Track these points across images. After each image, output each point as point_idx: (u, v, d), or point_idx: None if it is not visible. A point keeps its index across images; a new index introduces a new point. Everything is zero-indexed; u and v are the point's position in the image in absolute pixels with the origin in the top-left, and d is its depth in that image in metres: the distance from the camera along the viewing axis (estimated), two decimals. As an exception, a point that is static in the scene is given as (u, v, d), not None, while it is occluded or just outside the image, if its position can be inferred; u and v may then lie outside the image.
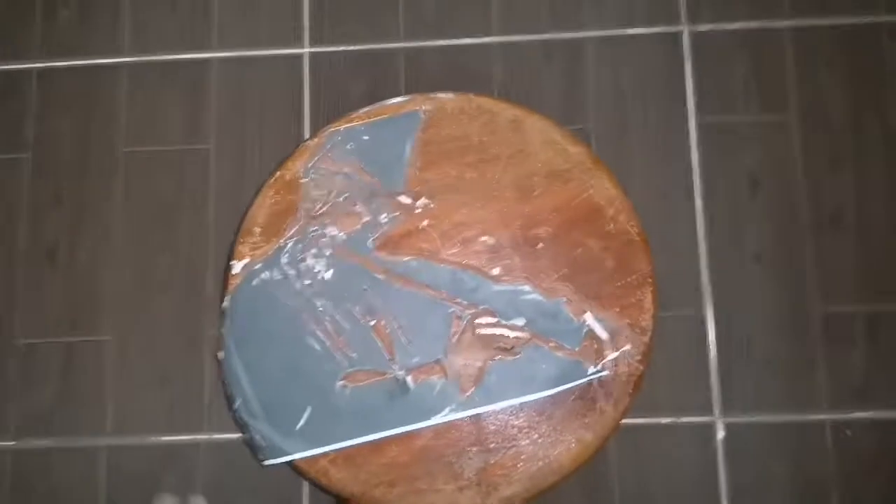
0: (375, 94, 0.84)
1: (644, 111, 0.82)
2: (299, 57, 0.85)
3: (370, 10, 0.86)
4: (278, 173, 0.57)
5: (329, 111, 0.84)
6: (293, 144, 0.84)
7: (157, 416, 0.78)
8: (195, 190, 0.83)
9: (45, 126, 0.85)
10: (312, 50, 0.85)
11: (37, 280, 0.81)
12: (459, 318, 0.54)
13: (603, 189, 0.57)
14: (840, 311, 0.77)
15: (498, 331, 0.54)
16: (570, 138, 0.58)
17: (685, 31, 0.84)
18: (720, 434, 0.75)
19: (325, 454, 0.52)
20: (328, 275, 0.55)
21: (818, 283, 0.78)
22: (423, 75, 0.84)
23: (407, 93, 0.84)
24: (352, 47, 0.85)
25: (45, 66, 0.86)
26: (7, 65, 0.86)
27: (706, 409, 0.76)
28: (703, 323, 0.77)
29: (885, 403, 0.75)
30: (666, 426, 0.76)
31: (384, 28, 0.85)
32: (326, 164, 0.57)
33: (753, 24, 0.83)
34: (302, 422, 0.52)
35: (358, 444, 0.52)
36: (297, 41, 0.86)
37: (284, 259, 0.55)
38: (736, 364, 0.77)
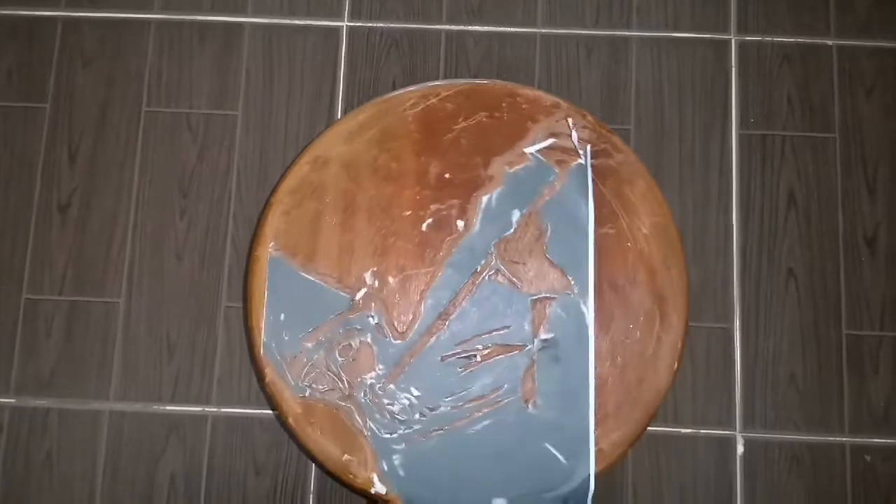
0: (412, 76, 0.82)
1: (686, 117, 0.81)
2: (337, 30, 0.83)
3: (414, -11, 0.84)
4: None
5: (364, 88, 0.82)
6: (324, 120, 0.82)
7: (164, 384, 0.76)
8: (218, 157, 0.80)
9: (66, 77, 0.82)
10: (351, 24, 0.83)
11: (46, 235, 0.78)
12: (498, 271, 0.53)
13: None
14: (867, 335, 0.76)
15: (518, 237, 0.53)
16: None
17: (733, 40, 0.83)
18: (740, 449, 0.74)
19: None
20: (414, 393, 0.52)
21: (847, 304, 0.77)
22: (461, 60, 0.82)
23: (445, 77, 0.83)
24: (392, 24, 0.83)
25: (72, 16, 0.83)
26: (33, 10, 0.83)
27: (727, 422, 0.75)
28: (731, 336, 0.76)
29: (907, 432, 0.74)
30: (686, 436, 0.75)
31: (426, 8, 0.83)
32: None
33: (801, 40, 0.82)
34: None
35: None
36: (337, 13, 0.83)
37: (376, 416, 0.52)
38: (760, 380, 0.75)
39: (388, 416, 0.51)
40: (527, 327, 0.52)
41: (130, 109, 0.81)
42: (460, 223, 0.53)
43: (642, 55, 0.82)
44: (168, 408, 0.75)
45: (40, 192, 0.79)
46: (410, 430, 0.51)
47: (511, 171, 0.54)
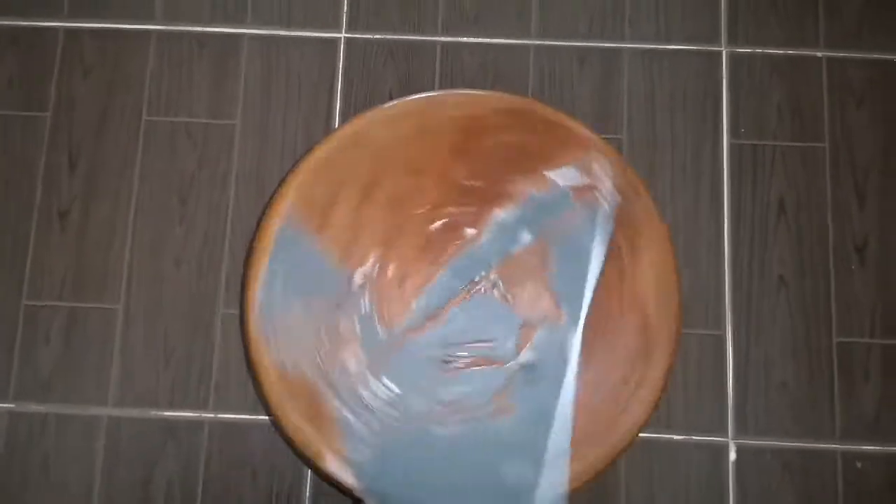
0: (408, 86, 0.83)
1: (678, 127, 0.82)
2: (335, 41, 0.84)
3: (410, 0, 0.85)
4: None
5: (360, 98, 0.83)
6: (321, 129, 0.83)
7: (162, 390, 0.76)
8: (217, 165, 0.81)
9: (67, 87, 0.83)
10: (348, 35, 0.84)
11: (46, 241, 0.79)
12: (495, 286, 0.53)
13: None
14: (857, 343, 0.77)
15: (521, 258, 0.53)
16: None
17: (724, 51, 0.84)
18: (732, 456, 0.75)
19: None
20: (395, 389, 0.52)
21: (838, 312, 0.78)
22: (457, 70, 0.83)
23: (441, 87, 0.84)
24: (389, 36, 0.84)
25: (73, 26, 0.84)
26: (34, 21, 0.84)
27: (720, 429, 0.75)
28: (722, 343, 0.77)
29: (897, 438, 0.75)
30: (678, 443, 0.75)
31: (422, 20, 0.85)
32: None
33: (791, 52, 0.84)
34: None
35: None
36: (334, 25, 0.85)
37: (350, 401, 0.52)
38: (752, 387, 0.76)
39: (362, 403, 0.51)
40: (510, 346, 0.52)
41: (130, 118, 0.82)
42: (470, 231, 0.54)
43: (634, 66, 0.84)
44: (165, 413, 0.76)
45: (41, 199, 0.80)
46: (381, 422, 0.51)
47: (533, 193, 0.54)
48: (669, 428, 0.75)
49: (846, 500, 0.74)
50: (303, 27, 0.85)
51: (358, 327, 0.53)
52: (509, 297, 0.53)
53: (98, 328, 0.77)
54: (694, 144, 0.82)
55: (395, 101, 0.58)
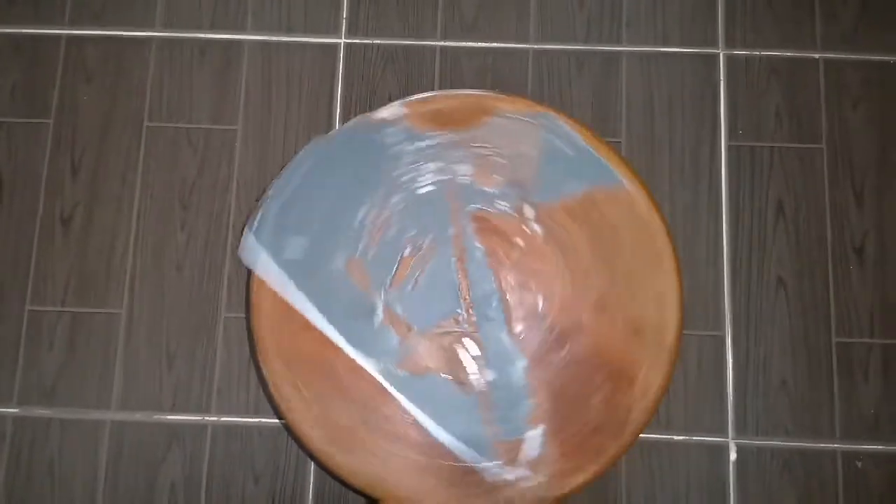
0: (408, 91, 0.84)
1: (676, 129, 0.83)
2: (334, 46, 0.85)
3: (409, 5, 0.86)
4: None
5: (360, 103, 0.84)
6: (322, 134, 0.84)
7: (164, 394, 0.77)
8: (218, 171, 0.82)
9: (69, 93, 0.84)
10: (348, 41, 0.85)
11: (49, 247, 0.80)
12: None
13: None
14: (856, 343, 0.77)
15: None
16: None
17: (721, 54, 0.84)
18: (732, 456, 0.75)
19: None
20: None
21: (836, 312, 0.78)
22: (456, 75, 0.84)
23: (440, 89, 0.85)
24: (388, 41, 0.85)
25: (75, 34, 0.85)
26: (36, 28, 0.85)
27: (720, 429, 0.76)
28: (722, 344, 0.78)
29: (897, 437, 0.75)
30: (679, 443, 0.75)
31: (421, 25, 0.85)
32: None
33: (788, 54, 0.84)
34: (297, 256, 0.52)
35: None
36: (334, 30, 0.85)
37: None
38: (752, 387, 0.77)
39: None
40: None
41: (132, 124, 0.83)
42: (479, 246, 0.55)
43: (632, 69, 0.84)
44: (168, 417, 0.76)
45: (44, 205, 0.81)
46: None
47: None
48: (670, 429, 0.76)
49: (846, 499, 0.74)
50: (302, 33, 0.85)
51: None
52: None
53: (101, 333, 0.78)
54: (692, 147, 0.82)
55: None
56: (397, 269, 0.56)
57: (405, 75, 0.84)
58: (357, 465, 0.56)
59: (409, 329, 0.54)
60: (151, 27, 0.86)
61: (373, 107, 0.82)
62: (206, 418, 0.76)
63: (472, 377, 0.53)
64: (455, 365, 0.53)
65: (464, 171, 0.57)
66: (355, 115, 0.84)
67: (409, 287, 0.55)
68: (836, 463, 0.75)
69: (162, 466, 0.75)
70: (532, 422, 0.53)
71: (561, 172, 0.60)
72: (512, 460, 0.52)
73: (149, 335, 0.78)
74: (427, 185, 0.56)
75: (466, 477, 0.53)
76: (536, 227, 0.55)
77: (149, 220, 0.81)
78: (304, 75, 0.84)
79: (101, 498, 0.75)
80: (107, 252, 0.80)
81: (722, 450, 0.75)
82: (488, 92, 0.59)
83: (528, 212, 0.56)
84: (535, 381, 0.53)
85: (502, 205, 0.56)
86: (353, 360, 0.57)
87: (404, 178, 0.57)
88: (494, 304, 0.54)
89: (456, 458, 0.52)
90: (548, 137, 0.58)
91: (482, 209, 0.56)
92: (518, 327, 0.54)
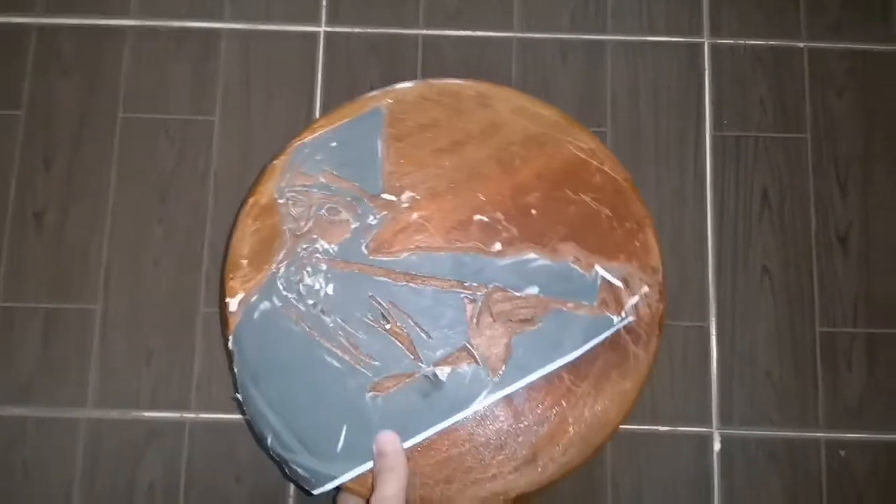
0: (390, 79, 0.82)
1: (661, 119, 0.82)
2: (315, 35, 0.83)
3: (391, -6, 0.84)
4: (252, 199, 0.55)
5: (341, 93, 0.82)
6: (302, 124, 0.82)
7: (142, 391, 0.75)
8: (196, 162, 0.80)
9: (41, 84, 0.81)
10: (328, 29, 0.83)
11: (22, 242, 0.78)
12: (473, 301, 0.53)
13: (581, 144, 0.56)
14: (840, 332, 0.77)
15: (514, 304, 0.53)
16: (538, 103, 0.57)
17: (706, 43, 0.84)
18: (717, 446, 0.75)
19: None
20: (329, 289, 0.52)
21: (821, 302, 0.78)
22: (439, 64, 0.83)
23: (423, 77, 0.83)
24: (369, 30, 0.83)
25: (47, 23, 0.83)
26: (7, 17, 0.83)
27: (704, 420, 0.76)
28: (707, 334, 0.77)
29: (880, 426, 0.76)
30: (664, 434, 0.75)
31: (403, 13, 0.84)
32: (300, 179, 0.55)
33: (772, 43, 0.84)
34: (341, 443, 0.50)
35: (406, 449, 0.50)
36: (314, 19, 0.84)
37: (281, 284, 0.52)
38: (736, 377, 0.76)
39: (300, 282, 0.52)
40: (438, 353, 0.52)
41: (107, 116, 0.81)
42: (497, 245, 0.54)
43: (617, 58, 0.83)
44: (146, 414, 0.75)
45: (15, 200, 0.79)
46: (301, 305, 0.52)
47: (570, 265, 0.54)
48: (655, 419, 0.75)
49: (830, 488, 0.74)
50: (282, 21, 0.84)
51: (351, 226, 0.54)
52: (475, 320, 0.53)
53: (77, 329, 0.76)
54: (677, 136, 0.82)
55: (533, 99, 0.58)
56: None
57: (388, 63, 0.83)
58: None
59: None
60: (126, 15, 0.83)
61: (354, 96, 0.81)
62: (185, 415, 0.75)
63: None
64: (508, 319, 0.53)
65: None
66: (336, 105, 0.82)
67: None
68: (819, 452, 0.75)
69: (140, 465, 0.74)
70: (588, 271, 0.54)
71: None
72: (620, 303, 0.53)
73: (126, 331, 0.76)
74: None
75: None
76: None
77: (125, 214, 0.79)
78: (283, 64, 0.82)
79: (78, 498, 0.73)
80: (82, 247, 0.78)
81: (707, 440, 0.75)
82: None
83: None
84: (552, 251, 0.54)
85: None
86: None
87: None
88: (469, 260, 0.54)
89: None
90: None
91: None
92: (496, 247, 0.55)
